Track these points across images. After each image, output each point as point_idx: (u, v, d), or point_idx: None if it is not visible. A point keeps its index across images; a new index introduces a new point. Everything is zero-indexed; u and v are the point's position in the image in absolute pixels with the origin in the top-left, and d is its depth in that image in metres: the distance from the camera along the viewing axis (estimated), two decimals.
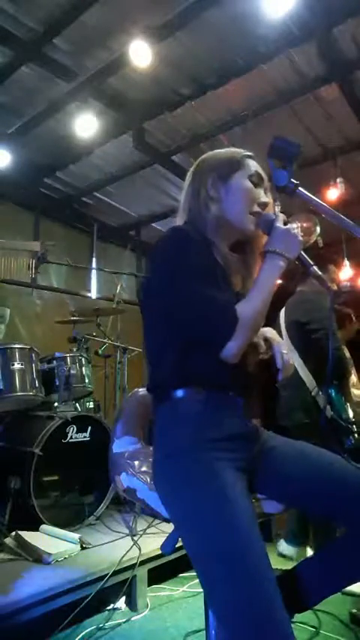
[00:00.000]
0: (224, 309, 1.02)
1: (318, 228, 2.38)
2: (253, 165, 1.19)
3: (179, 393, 1.07)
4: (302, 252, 1.13)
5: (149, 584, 2.24)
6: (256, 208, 1.16)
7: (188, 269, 1.04)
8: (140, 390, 1.37)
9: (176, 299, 1.05)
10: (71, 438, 2.63)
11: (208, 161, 1.23)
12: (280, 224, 1.12)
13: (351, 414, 2.27)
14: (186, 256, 1.05)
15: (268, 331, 1.22)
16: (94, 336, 3.43)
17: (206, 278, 1.05)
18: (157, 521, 2.37)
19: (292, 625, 0.85)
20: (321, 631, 1.90)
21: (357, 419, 2.28)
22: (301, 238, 1.12)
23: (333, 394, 2.33)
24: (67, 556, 2.10)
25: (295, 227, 1.12)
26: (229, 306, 1.02)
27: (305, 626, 1.91)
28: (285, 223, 1.13)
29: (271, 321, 1.15)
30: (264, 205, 1.17)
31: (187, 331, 1.06)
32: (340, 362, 2.33)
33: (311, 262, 1.14)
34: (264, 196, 1.18)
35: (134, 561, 2.11)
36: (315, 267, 1.13)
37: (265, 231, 1.14)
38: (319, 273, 1.13)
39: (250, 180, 1.17)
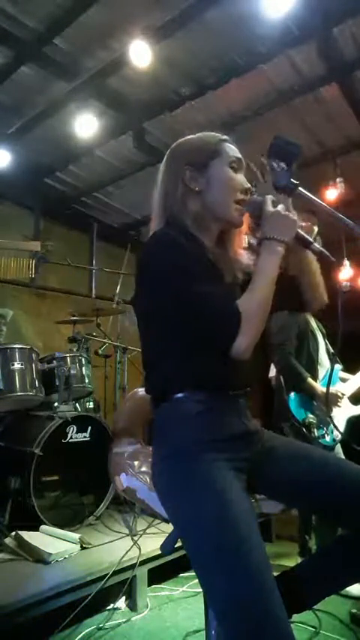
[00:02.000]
0: (225, 306, 0.99)
1: (316, 228, 2.39)
2: (231, 150, 1.15)
3: (179, 394, 1.06)
4: (299, 231, 1.09)
5: (149, 584, 2.24)
6: (240, 196, 1.12)
7: (182, 270, 1.02)
8: (140, 390, 1.36)
9: (174, 302, 1.02)
10: (71, 438, 2.63)
11: (181, 151, 1.18)
12: (269, 207, 1.08)
13: (312, 415, 2.35)
14: (176, 259, 1.03)
15: None
16: (94, 336, 3.43)
17: (200, 277, 1.02)
18: (157, 521, 2.37)
19: (292, 625, 0.85)
20: (321, 631, 1.90)
21: (318, 420, 2.32)
22: (294, 217, 1.08)
23: (292, 399, 2.38)
24: (67, 556, 2.10)
25: (283, 207, 1.08)
26: (230, 302, 1.00)
27: (305, 626, 1.91)
28: (274, 204, 1.08)
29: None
30: (247, 191, 1.13)
31: (189, 333, 1.04)
32: (288, 372, 2.40)
33: (311, 239, 1.11)
34: (246, 182, 1.14)
35: (134, 561, 2.11)
36: (316, 244, 1.11)
37: (254, 216, 1.11)
38: (321, 249, 1.11)
39: (231, 167, 1.13)
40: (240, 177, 1.14)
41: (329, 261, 1.11)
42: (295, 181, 1.10)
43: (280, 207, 1.08)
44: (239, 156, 1.16)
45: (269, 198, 1.09)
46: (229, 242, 1.20)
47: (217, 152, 1.14)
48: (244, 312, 0.98)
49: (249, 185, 1.14)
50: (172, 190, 1.14)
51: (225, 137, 1.17)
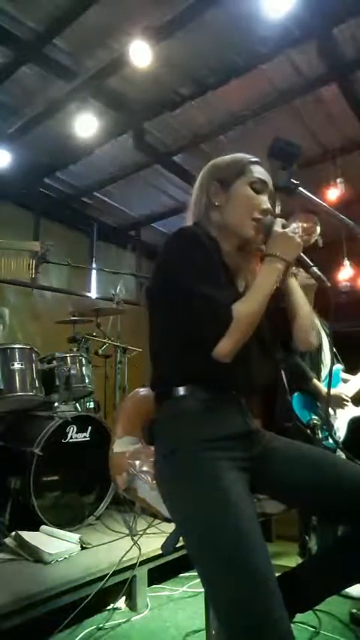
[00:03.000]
0: (220, 308, 1.01)
1: (318, 228, 2.39)
2: (257, 172, 1.19)
3: (181, 391, 1.07)
4: (301, 254, 1.13)
5: (149, 584, 2.24)
6: (257, 215, 1.16)
7: (193, 268, 1.05)
8: (141, 390, 1.37)
9: (177, 297, 1.06)
10: (71, 438, 2.63)
11: (213, 166, 1.24)
12: (277, 227, 1.12)
13: (316, 416, 2.34)
14: (192, 255, 1.06)
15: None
16: (94, 336, 3.43)
17: (209, 277, 1.05)
18: (157, 521, 2.36)
19: (292, 625, 0.85)
20: (321, 631, 1.90)
21: (322, 421, 2.32)
22: (300, 240, 1.12)
23: (296, 400, 2.38)
24: (67, 556, 2.10)
25: (293, 228, 1.13)
26: (226, 305, 1.02)
27: (305, 626, 1.90)
28: (284, 227, 1.13)
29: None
30: (265, 212, 1.17)
31: (183, 329, 1.07)
32: (293, 372, 2.37)
33: (311, 263, 1.14)
34: (265, 203, 1.18)
35: (134, 561, 2.11)
36: (315, 268, 1.13)
37: (265, 236, 1.15)
38: (319, 273, 1.13)
39: (252, 187, 1.17)
40: (260, 198, 1.18)
41: (324, 285, 1.14)
42: (296, 181, 1.10)
43: (288, 229, 1.12)
44: (264, 178, 1.19)
45: (279, 220, 1.14)
46: (248, 255, 1.23)
47: (242, 172, 1.19)
48: (235, 319, 1.00)
49: (268, 206, 1.18)
50: (198, 201, 1.21)
51: (255, 159, 1.21)
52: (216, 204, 1.18)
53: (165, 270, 1.11)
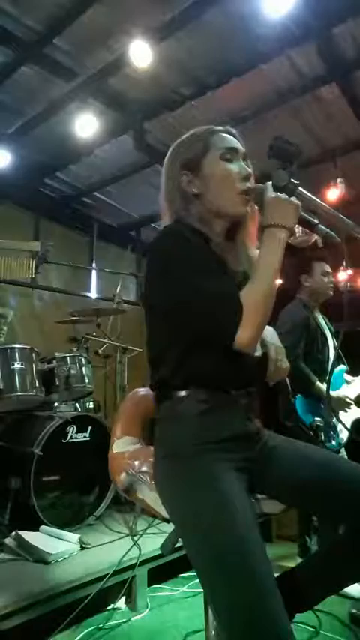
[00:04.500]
0: (227, 299, 0.97)
1: None
2: (221, 140, 1.12)
3: (181, 392, 1.06)
4: (303, 213, 1.05)
5: (149, 584, 2.24)
6: (242, 185, 1.09)
7: (187, 264, 1.01)
8: (140, 390, 1.36)
9: (178, 296, 1.02)
10: (71, 438, 2.63)
11: (175, 154, 1.16)
12: (270, 193, 1.04)
13: (319, 418, 2.33)
14: (182, 252, 1.02)
15: (268, 332, 1.21)
16: (94, 336, 3.43)
17: (206, 271, 1.01)
18: (157, 521, 2.37)
19: (292, 625, 0.85)
20: (321, 631, 1.90)
21: (325, 424, 2.32)
22: (297, 201, 1.04)
23: (299, 403, 2.37)
24: (67, 556, 2.10)
25: (284, 195, 1.04)
26: (233, 295, 0.97)
27: (305, 626, 1.90)
28: (276, 189, 1.04)
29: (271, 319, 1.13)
30: (247, 178, 1.10)
31: (191, 328, 1.03)
32: (296, 376, 2.35)
33: (315, 221, 1.08)
34: (244, 168, 1.11)
35: (134, 561, 2.11)
36: (321, 225, 1.08)
37: (257, 205, 1.08)
38: (327, 230, 1.08)
39: (224, 159, 1.10)
40: (236, 166, 1.11)
41: (335, 242, 1.08)
42: (296, 181, 1.09)
43: (281, 194, 1.04)
44: (232, 145, 1.12)
45: (269, 184, 1.06)
46: (239, 235, 1.17)
47: (207, 147, 1.11)
48: (246, 304, 0.96)
49: (248, 170, 1.11)
50: (173, 198, 1.13)
51: (214, 128, 1.14)
52: (194, 192, 1.11)
53: (160, 271, 1.06)
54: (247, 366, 1.09)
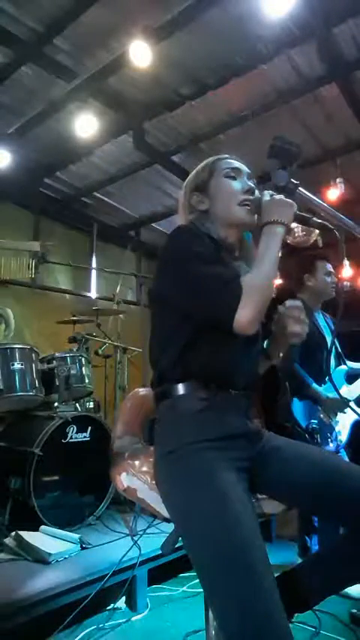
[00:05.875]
0: (228, 283, 1.01)
1: (317, 229, 2.38)
2: (225, 163, 1.21)
3: (181, 390, 1.07)
4: (298, 211, 1.12)
5: (149, 584, 2.24)
6: (243, 197, 1.16)
7: (195, 257, 1.05)
8: (140, 389, 1.37)
9: (184, 285, 1.06)
10: (71, 438, 2.63)
11: (188, 182, 1.27)
12: (265, 198, 1.12)
13: (315, 421, 2.33)
14: (193, 247, 1.07)
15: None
16: (94, 336, 3.43)
17: (212, 262, 1.06)
18: (157, 521, 2.36)
19: (292, 625, 0.85)
20: (321, 631, 1.90)
21: (321, 426, 2.31)
22: (291, 202, 1.11)
23: (296, 405, 2.37)
24: (67, 556, 2.10)
25: (280, 196, 1.11)
26: (234, 280, 1.02)
27: (305, 626, 1.90)
28: (276, 189, 1.12)
29: (270, 319, 1.14)
30: (250, 192, 1.17)
31: (195, 314, 1.06)
32: (292, 378, 2.37)
33: (309, 215, 1.14)
34: (246, 183, 1.19)
35: (134, 561, 2.11)
36: (315, 218, 1.14)
37: (258, 213, 1.14)
38: (320, 221, 1.14)
39: (228, 176, 1.19)
40: (239, 182, 1.19)
41: (329, 230, 1.14)
42: (296, 181, 1.10)
43: (276, 195, 1.11)
44: (234, 165, 1.22)
45: (266, 192, 1.13)
46: (250, 249, 1.23)
47: (212, 171, 1.22)
48: (246, 285, 1.00)
49: (251, 185, 1.18)
50: (188, 217, 1.23)
51: (220, 156, 1.24)
52: (203, 209, 1.20)
53: (170, 265, 1.11)
54: (249, 364, 1.10)
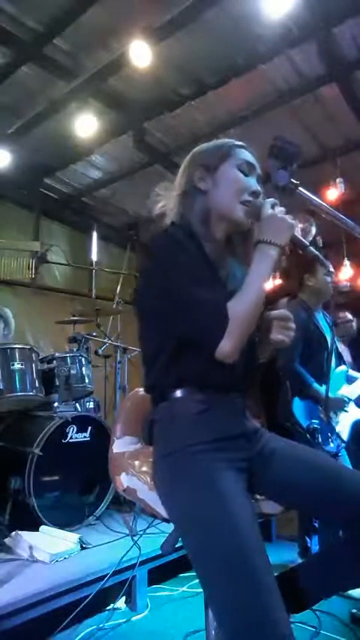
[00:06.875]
0: (214, 310, 0.99)
1: (314, 229, 2.37)
2: (243, 154, 1.15)
3: (177, 393, 1.07)
4: (295, 235, 1.07)
5: (149, 584, 2.24)
6: (247, 197, 1.12)
7: (179, 271, 1.02)
8: (140, 390, 1.36)
9: (168, 302, 1.03)
10: (71, 438, 2.63)
11: (196, 153, 1.21)
12: (267, 209, 1.07)
13: (316, 421, 2.33)
14: (176, 258, 1.03)
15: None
16: (94, 336, 3.43)
17: (197, 278, 1.02)
18: (157, 521, 2.35)
19: (292, 625, 0.85)
20: (321, 631, 1.90)
21: (322, 426, 2.31)
22: (292, 221, 1.06)
23: (296, 405, 2.37)
24: (67, 556, 2.09)
25: (282, 210, 1.07)
26: (220, 306, 0.99)
27: (305, 626, 1.90)
28: (274, 207, 1.07)
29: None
30: (255, 194, 1.13)
31: (178, 334, 1.04)
32: (292, 378, 2.37)
33: (306, 243, 1.11)
34: (255, 185, 1.14)
35: (134, 561, 2.11)
36: (311, 248, 1.10)
37: (254, 220, 1.10)
38: (315, 252, 1.10)
39: (240, 170, 1.13)
40: (248, 180, 1.14)
41: (322, 264, 1.13)
42: (296, 181, 1.09)
43: (278, 210, 1.07)
44: (251, 160, 1.15)
45: (269, 201, 1.09)
46: (238, 248, 1.19)
47: (228, 155, 1.15)
48: (232, 316, 0.97)
49: (257, 188, 1.14)
50: (182, 189, 1.17)
51: (241, 143, 1.18)
52: (202, 189, 1.14)
53: (152, 276, 1.08)
54: (244, 366, 1.09)
